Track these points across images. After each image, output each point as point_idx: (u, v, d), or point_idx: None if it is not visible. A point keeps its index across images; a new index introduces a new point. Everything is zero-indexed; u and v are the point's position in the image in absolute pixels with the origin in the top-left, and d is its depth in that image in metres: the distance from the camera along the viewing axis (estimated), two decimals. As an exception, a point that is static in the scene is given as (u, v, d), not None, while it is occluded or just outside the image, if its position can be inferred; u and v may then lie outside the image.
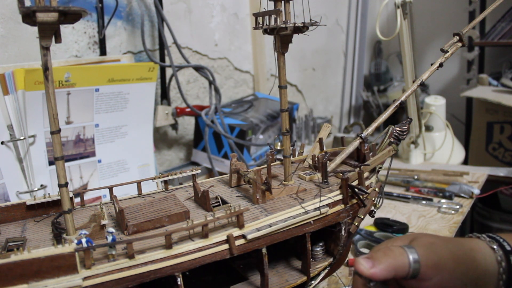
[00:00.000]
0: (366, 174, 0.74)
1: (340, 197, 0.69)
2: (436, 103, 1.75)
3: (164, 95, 1.39)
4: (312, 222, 0.65)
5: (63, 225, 0.59)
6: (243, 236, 0.59)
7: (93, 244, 0.52)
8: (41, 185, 1.00)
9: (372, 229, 1.10)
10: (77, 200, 0.71)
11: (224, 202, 0.69)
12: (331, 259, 0.72)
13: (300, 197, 0.70)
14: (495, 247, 0.57)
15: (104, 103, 1.11)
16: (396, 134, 0.79)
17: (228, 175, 0.78)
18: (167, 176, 0.75)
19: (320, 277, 0.72)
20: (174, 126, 1.43)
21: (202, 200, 0.68)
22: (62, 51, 1.15)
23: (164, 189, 0.76)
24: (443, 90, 2.67)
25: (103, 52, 1.22)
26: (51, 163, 1.02)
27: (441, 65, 0.81)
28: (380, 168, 0.78)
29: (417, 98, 1.63)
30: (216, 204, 0.68)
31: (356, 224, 0.70)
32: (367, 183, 0.73)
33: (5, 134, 0.96)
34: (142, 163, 1.24)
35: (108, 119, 1.13)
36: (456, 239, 0.57)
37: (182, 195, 0.74)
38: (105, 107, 1.11)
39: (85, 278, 0.50)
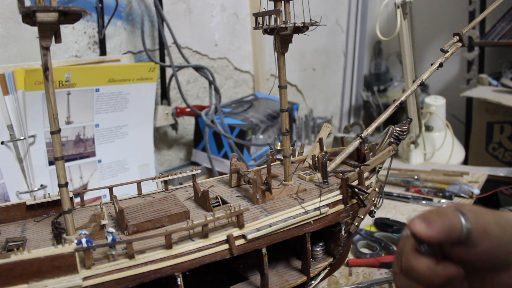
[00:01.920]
0: (366, 174, 0.74)
1: (340, 197, 0.69)
2: (436, 103, 1.75)
3: (164, 95, 1.39)
4: (312, 222, 0.65)
5: (63, 225, 0.59)
6: (243, 236, 0.59)
7: (93, 244, 0.52)
8: (41, 185, 1.00)
9: (372, 229, 1.10)
10: (77, 200, 0.71)
11: (224, 202, 0.69)
12: (331, 259, 0.72)
13: (300, 197, 0.70)
14: None
15: (104, 103, 1.11)
16: (396, 134, 0.79)
17: (228, 175, 0.78)
18: (167, 176, 0.75)
19: (320, 277, 0.72)
20: (174, 126, 1.43)
21: (202, 200, 0.68)
22: (62, 51, 1.15)
23: (164, 189, 0.76)
24: (443, 90, 2.67)
25: (103, 52, 1.22)
26: (51, 163, 1.02)
27: (441, 65, 0.81)
28: (380, 168, 0.78)
29: (417, 98, 1.63)
30: (216, 204, 0.68)
31: (356, 224, 0.70)
32: (367, 183, 0.73)
33: (5, 134, 0.96)
34: (142, 163, 1.24)
35: (109, 119, 1.13)
36: (496, 211, 0.57)
37: (182, 195, 0.74)
38: (105, 107, 1.11)
39: (85, 278, 0.50)
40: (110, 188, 0.72)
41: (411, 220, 0.52)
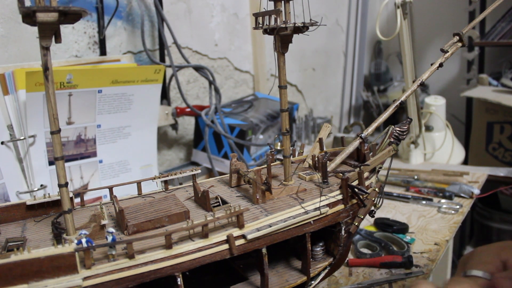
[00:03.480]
0: (366, 174, 0.74)
1: (340, 197, 0.69)
2: (436, 103, 1.75)
3: (164, 95, 1.38)
4: (312, 222, 0.65)
5: (63, 225, 0.59)
6: (243, 236, 0.59)
7: (93, 244, 0.52)
8: (41, 185, 1.00)
9: (372, 229, 1.10)
10: (77, 200, 0.71)
11: (224, 202, 0.69)
12: (331, 259, 0.72)
13: (300, 197, 0.70)
14: None
15: (107, 104, 1.10)
16: (396, 134, 0.79)
17: (228, 175, 0.78)
18: (167, 176, 0.75)
19: (320, 277, 0.72)
20: (174, 126, 1.43)
21: (202, 200, 0.68)
22: (62, 51, 1.15)
23: (164, 189, 0.76)
24: (443, 90, 2.67)
25: (103, 52, 1.22)
26: (51, 163, 1.02)
27: (441, 65, 0.81)
28: (380, 168, 0.78)
29: (417, 98, 1.63)
30: (216, 204, 0.68)
31: (356, 224, 0.70)
32: (367, 183, 0.73)
33: (5, 134, 0.96)
34: (145, 164, 1.23)
35: (111, 120, 1.12)
36: None
37: (182, 195, 0.74)
38: (107, 108, 1.11)
39: (85, 278, 0.50)
40: (110, 188, 0.72)
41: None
